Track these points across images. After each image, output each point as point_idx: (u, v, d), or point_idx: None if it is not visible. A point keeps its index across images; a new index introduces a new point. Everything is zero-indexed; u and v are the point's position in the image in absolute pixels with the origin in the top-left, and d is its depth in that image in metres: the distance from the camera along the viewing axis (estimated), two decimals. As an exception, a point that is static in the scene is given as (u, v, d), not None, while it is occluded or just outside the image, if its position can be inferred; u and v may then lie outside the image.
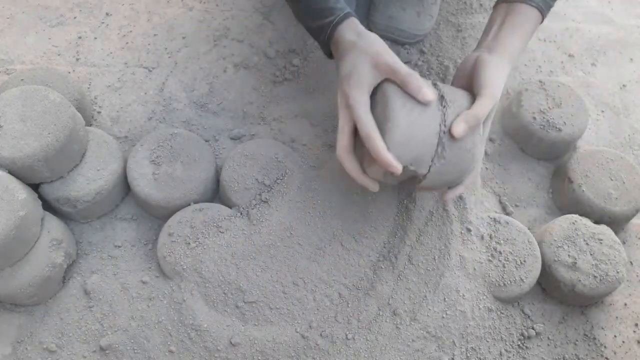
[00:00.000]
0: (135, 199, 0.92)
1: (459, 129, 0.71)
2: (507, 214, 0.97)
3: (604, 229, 0.90)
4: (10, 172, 0.80)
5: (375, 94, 0.76)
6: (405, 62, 1.11)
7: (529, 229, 0.92)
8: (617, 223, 0.94)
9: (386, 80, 0.75)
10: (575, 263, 0.86)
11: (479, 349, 0.84)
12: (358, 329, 0.83)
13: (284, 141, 0.98)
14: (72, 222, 0.91)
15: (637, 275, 0.95)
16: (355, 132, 0.76)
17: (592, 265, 0.86)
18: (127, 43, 1.10)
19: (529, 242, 0.89)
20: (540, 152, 1.02)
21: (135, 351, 0.80)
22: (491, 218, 0.91)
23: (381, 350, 0.83)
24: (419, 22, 1.10)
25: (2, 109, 0.82)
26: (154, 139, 0.91)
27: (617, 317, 0.91)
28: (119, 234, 0.91)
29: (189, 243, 0.85)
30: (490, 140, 1.04)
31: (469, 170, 0.76)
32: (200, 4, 1.16)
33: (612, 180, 0.95)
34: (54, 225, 0.83)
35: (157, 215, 0.92)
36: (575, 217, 0.91)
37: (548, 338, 0.88)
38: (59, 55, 1.07)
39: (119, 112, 1.02)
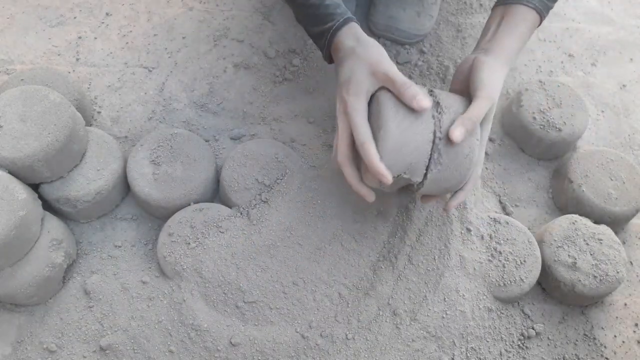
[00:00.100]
0: (135, 199, 0.92)
1: (457, 133, 0.71)
2: (507, 214, 0.97)
3: (604, 229, 0.90)
4: (10, 172, 0.80)
5: (371, 102, 0.76)
6: (405, 62, 1.11)
7: (529, 229, 0.92)
8: (617, 223, 0.94)
9: (382, 88, 0.75)
10: (575, 263, 0.86)
11: (479, 349, 0.84)
12: (358, 329, 0.83)
13: (284, 141, 0.98)
14: (72, 222, 0.91)
15: (637, 275, 0.95)
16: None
17: (592, 265, 0.86)
18: (127, 43, 1.10)
19: (529, 242, 0.89)
20: (540, 152, 1.02)
21: (135, 351, 0.80)
22: (491, 218, 0.91)
23: (381, 350, 0.83)
24: (419, 22, 1.10)
25: (2, 109, 0.82)
26: (154, 139, 0.91)
27: (617, 317, 0.91)
28: (119, 234, 0.91)
29: (189, 243, 0.85)
30: (490, 140, 1.04)
31: (468, 176, 0.76)
32: (200, 4, 1.16)
33: (612, 180, 0.95)
34: (54, 225, 0.83)
35: (157, 215, 0.92)
36: (575, 217, 0.91)
37: (548, 338, 0.88)
38: (59, 55, 1.07)
39: (119, 112, 1.02)
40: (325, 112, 1.03)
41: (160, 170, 0.89)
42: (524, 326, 0.88)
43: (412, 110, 0.72)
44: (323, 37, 0.82)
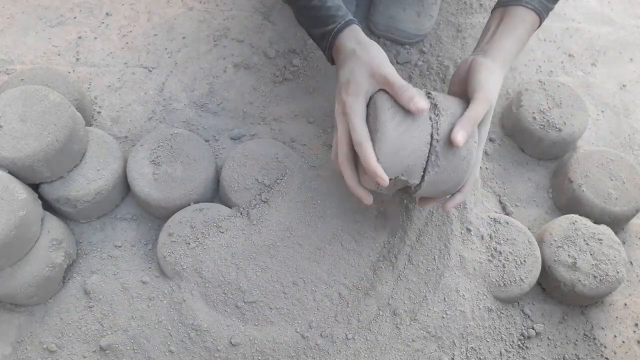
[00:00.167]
0: (135, 199, 0.92)
1: (459, 136, 0.71)
2: (507, 214, 0.97)
3: (604, 229, 0.90)
4: (10, 172, 0.80)
5: (370, 104, 0.77)
6: (405, 62, 1.11)
7: (529, 229, 0.92)
8: (617, 223, 0.94)
9: (380, 90, 0.75)
10: (575, 263, 0.86)
11: (479, 349, 0.84)
12: (358, 329, 0.83)
13: (284, 141, 0.98)
14: (72, 222, 0.91)
15: (637, 275, 0.95)
16: None
17: (592, 265, 0.86)
18: (127, 43, 1.10)
19: (529, 242, 0.89)
20: (540, 152, 1.02)
21: (135, 351, 0.80)
22: (491, 218, 0.91)
23: (381, 350, 0.83)
24: (419, 22, 1.10)
25: (2, 109, 0.82)
26: (154, 139, 0.91)
27: (617, 317, 0.91)
28: (119, 234, 0.91)
29: (189, 243, 0.85)
30: (490, 140, 1.04)
31: (465, 178, 0.76)
32: (200, 4, 1.16)
33: (612, 180, 0.95)
34: (54, 225, 0.83)
35: (157, 215, 0.92)
36: (575, 217, 0.91)
37: (548, 338, 0.88)
38: (59, 55, 1.07)
39: (119, 112, 1.02)
40: (325, 112, 1.03)
41: (160, 170, 0.89)
42: (524, 326, 0.88)
43: (409, 112, 0.72)
44: (325, 39, 0.82)
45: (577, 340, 0.88)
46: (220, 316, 0.82)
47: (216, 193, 0.95)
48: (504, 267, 0.87)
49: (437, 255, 0.88)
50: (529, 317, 0.88)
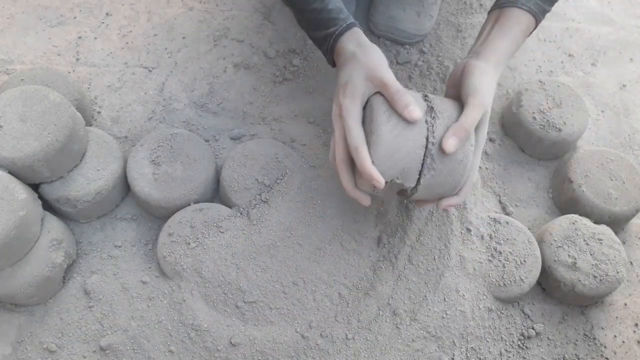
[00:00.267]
0: (135, 199, 0.92)
1: (449, 144, 0.71)
2: (507, 214, 0.97)
3: (604, 229, 0.90)
4: (10, 172, 0.80)
5: (365, 107, 0.76)
6: (405, 62, 1.11)
7: (529, 229, 0.92)
8: (617, 223, 0.94)
9: (377, 93, 0.75)
10: (575, 263, 0.86)
11: (479, 349, 0.84)
12: (358, 329, 0.83)
13: (284, 141, 0.98)
14: (72, 222, 0.91)
15: (637, 275, 0.95)
16: None
17: (592, 265, 0.86)
18: (127, 43, 1.10)
19: (529, 242, 0.89)
20: (540, 152, 1.02)
21: (135, 351, 0.80)
22: (491, 218, 0.91)
23: (381, 350, 0.83)
24: (419, 22, 1.10)
25: (2, 109, 0.82)
26: (154, 139, 0.91)
27: (617, 317, 0.91)
28: (119, 234, 0.91)
29: (189, 243, 0.85)
30: (490, 140, 1.04)
31: (462, 182, 0.75)
32: (200, 4, 1.16)
33: (612, 180, 0.95)
34: (54, 225, 0.83)
35: (157, 215, 0.92)
36: (575, 217, 0.91)
37: (548, 338, 0.88)
38: (59, 55, 1.07)
39: (119, 112, 1.02)
40: (325, 112, 1.03)
41: (160, 170, 0.89)
42: (524, 326, 0.88)
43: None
44: (326, 41, 0.82)
45: (577, 340, 0.88)
46: (220, 316, 0.82)
47: (216, 193, 0.95)
48: (504, 267, 0.87)
49: (437, 255, 0.88)
50: (529, 317, 0.88)
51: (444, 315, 0.84)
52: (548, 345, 0.87)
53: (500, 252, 0.88)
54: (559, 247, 0.88)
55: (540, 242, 0.90)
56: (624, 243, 0.96)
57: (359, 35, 0.80)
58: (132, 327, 0.82)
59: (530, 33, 0.85)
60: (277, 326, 0.83)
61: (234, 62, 1.08)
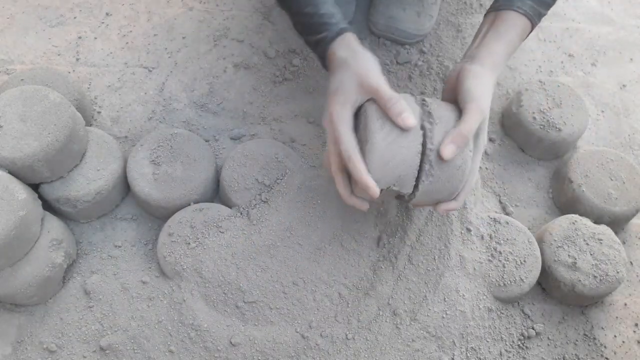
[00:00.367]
0: (135, 199, 0.92)
1: (447, 150, 0.70)
2: (507, 214, 0.97)
3: (604, 229, 0.90)
4: (10, 172, 0.80)
5: (359, 114, 0.76)
6: (405, 62, 1.11)
7: (529, 229, 0.92)
8: (617, 223, 0.94)
9: (370, 100, 0.75)
10: (575, 263, 0.86)
11: (479, 349, 0.84)
12: (358, 329, 0.83)
13: (284, 141, 0.98)
14: (72, 222, 0.91)
15: (637, 275, 0.95)
16: None
17: (592, 265, 0.86)
18: (127, 43, 1.10)
19: (529, 242, 0.89)
20: (540, 152, 1.02)
21: (135, 351, 0.80)
22: (491, 218, 0.91)
23: (381, 350, 0.83)
24: (419, 22, 1.10)
25: (2, 109, 0.82)
26: (154, 139, 0.91)
27: (617, 317, 0.91)
28: (119, 234, 0.91)
29: (189, 243, 0.85)
30: (490, 140, 1.04)
31: (460, 187, 0.75)
32: (200, 4, 1.16)
33: (612, 180, 0.95)
34: (54, 225, 0.83)
35: (157, 215, 0.92)
36: (575, 217, 0.91)
37: (548, 338, 0.88)
38: (59, 55, 1.07)
39: (119, 112, 1.02)
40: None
41: (160, 170, 0.89)
42: (524, 326, 0.88)
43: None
44: (319, 46, 0.81)
45: (577, 340, 0.88)
46: (220, 316, 0.82)
47: (216, 193, 0.95)
48: (504, 267, 0.87)
49: (437, 255, 0.87)
50: (529, 317, 0.88)
51: (444, 315, 0.84)
52: (548, 345, 0.87)
53: (500, 252, 0.88)
54: (559, 247, 0.88)
55: (540, 242, 0.90)
56: (624, 243, 0.96)
57: (351, 40, 0.79)
58: (132, 327, 0.82)
59: (526, 37, 0.84)
60: (277, 326, 0.83)
61: (234, 62, 1.08)
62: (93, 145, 0.89)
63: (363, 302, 0.85)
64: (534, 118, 0.99)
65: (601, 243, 0.88)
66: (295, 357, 0.81)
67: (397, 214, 0.90)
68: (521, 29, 0.82)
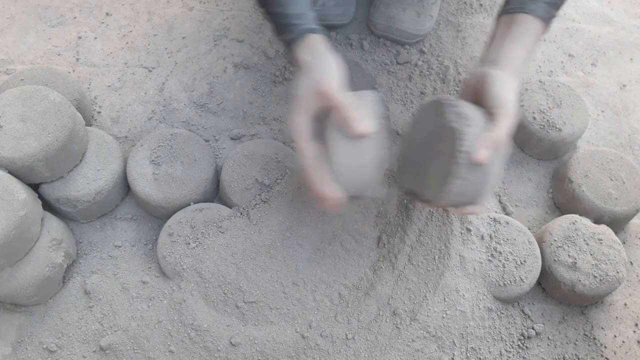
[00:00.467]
0: (135, 199, 0.92)
1: (482, 155, 0.69)
2: (507, 214, 0.97)
3: (604, 229, 0.90)
4: (10, 172, 0.80)
5: (325, 122, 0.74)
6: (405, 62, 1.11)
7: (529, 229, 0.92)
8: (617, 223, 0.94)
9: (332, 107, 0.72)
10: (575, 263, 0.86)
11: (479, 349, 0.84)
12: (358, 329, 0.83)
13: (284, 141, 0.98)
14: (72, 222, 0.91)
15: (637, 275, 0.95)
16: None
17: (592, 265, 0.86)
18: (127, 43, 1.10)
19: (529, 242, 0.89)
20: (540, 152, 1.02)
21: (135, 351, 0.80)
22: (491, 218, 0.91)
23: (381, 350, 0.83)
24: (419, 22, 1.10)
25: (2, 109, 0.82)
26: (154, 139, 0.91)
27: (617, 317, 0.91)
28: (119, 234, 0.91)
29: (189, 243, 0.85)
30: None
31: (485, 192, 0.74)
32: (200, 4, 1.16)
33: (612, 180, 0.95)
34: (54, 225, 0.83)
35: (157, 215, 0.92)
36: (575, 217, 0.91)
37: (548, 338, 0.88)
38: (59, 55, 1.07)
39: (119, 112, 1.02)
40: (325, 112, 1.03)
41: (160, 170, 0.89)
42: (524, 326, 0.88)
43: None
44: (287, 48, 0.78)
45: (577, 340, 0.88)
46: (220, 316, 0.82)
47: (216, 193, 0.95)
48: (504, 267, 0.87)
49: (437, 255, 0.88)
50: (529, 317, 0.88)
51: (444, 315, 0.84)
52: (548, 345, 0.87)
53: (500, 252, 0.88)
54: (559, 247, 0.88)
55: (540, 242, 0.90)
56: (624, 243, 0.96)
57: (315, 43, 0.75)
58: (132, 327, 0.82)
59: (540, 40, 0.84)
60: (277, 326, 0.83)
61: (234, 62, 1.08)
62: (93, 145, 0.89)
63: (363, 302, 0.85)
64: (534, 118, 0.99)
65: (601, 243, 0.88)
66: (295, 357, 0.81)
67: (397, 214, 0.90)
68: (537, 32, 0.81)
